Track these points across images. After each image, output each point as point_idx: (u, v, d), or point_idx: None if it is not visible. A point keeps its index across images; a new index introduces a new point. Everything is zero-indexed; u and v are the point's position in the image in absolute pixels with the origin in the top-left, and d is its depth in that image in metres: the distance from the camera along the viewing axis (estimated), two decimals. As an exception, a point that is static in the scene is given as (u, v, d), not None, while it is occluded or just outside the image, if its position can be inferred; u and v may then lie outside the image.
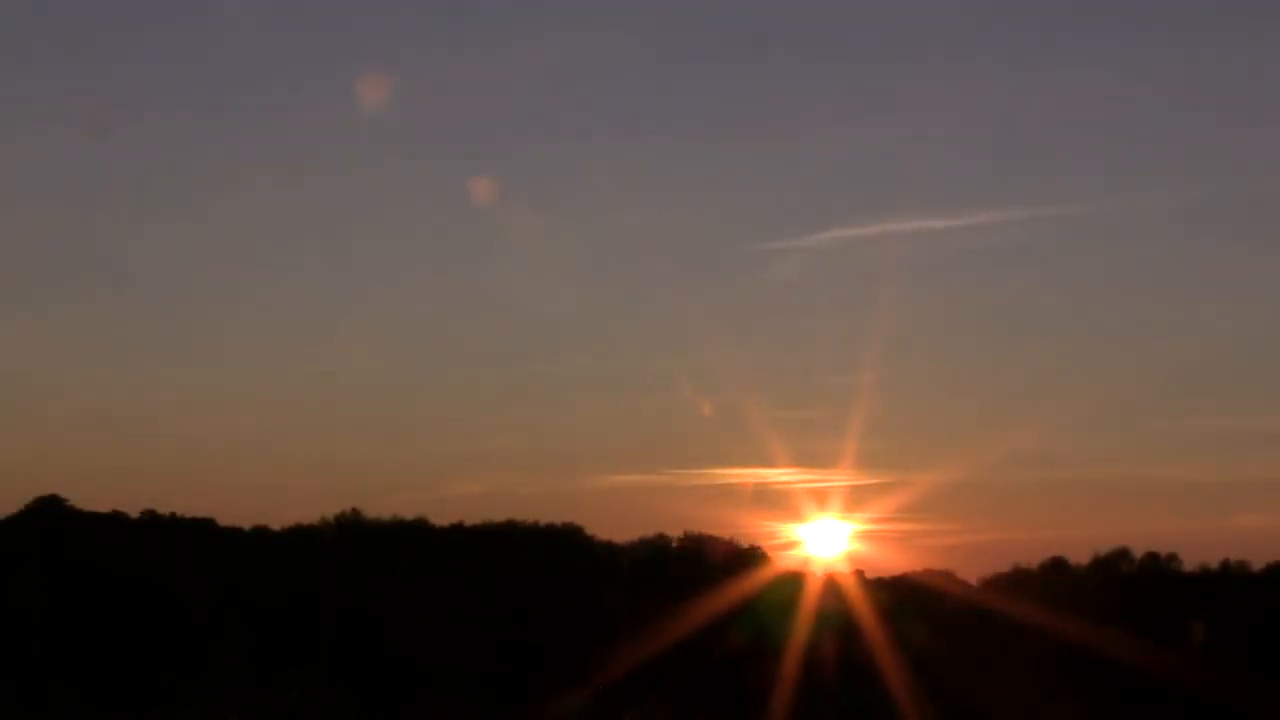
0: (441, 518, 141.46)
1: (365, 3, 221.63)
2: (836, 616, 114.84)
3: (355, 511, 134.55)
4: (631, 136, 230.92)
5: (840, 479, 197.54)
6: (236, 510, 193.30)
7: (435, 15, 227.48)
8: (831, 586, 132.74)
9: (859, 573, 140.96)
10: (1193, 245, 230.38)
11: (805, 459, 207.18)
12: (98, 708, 70.17)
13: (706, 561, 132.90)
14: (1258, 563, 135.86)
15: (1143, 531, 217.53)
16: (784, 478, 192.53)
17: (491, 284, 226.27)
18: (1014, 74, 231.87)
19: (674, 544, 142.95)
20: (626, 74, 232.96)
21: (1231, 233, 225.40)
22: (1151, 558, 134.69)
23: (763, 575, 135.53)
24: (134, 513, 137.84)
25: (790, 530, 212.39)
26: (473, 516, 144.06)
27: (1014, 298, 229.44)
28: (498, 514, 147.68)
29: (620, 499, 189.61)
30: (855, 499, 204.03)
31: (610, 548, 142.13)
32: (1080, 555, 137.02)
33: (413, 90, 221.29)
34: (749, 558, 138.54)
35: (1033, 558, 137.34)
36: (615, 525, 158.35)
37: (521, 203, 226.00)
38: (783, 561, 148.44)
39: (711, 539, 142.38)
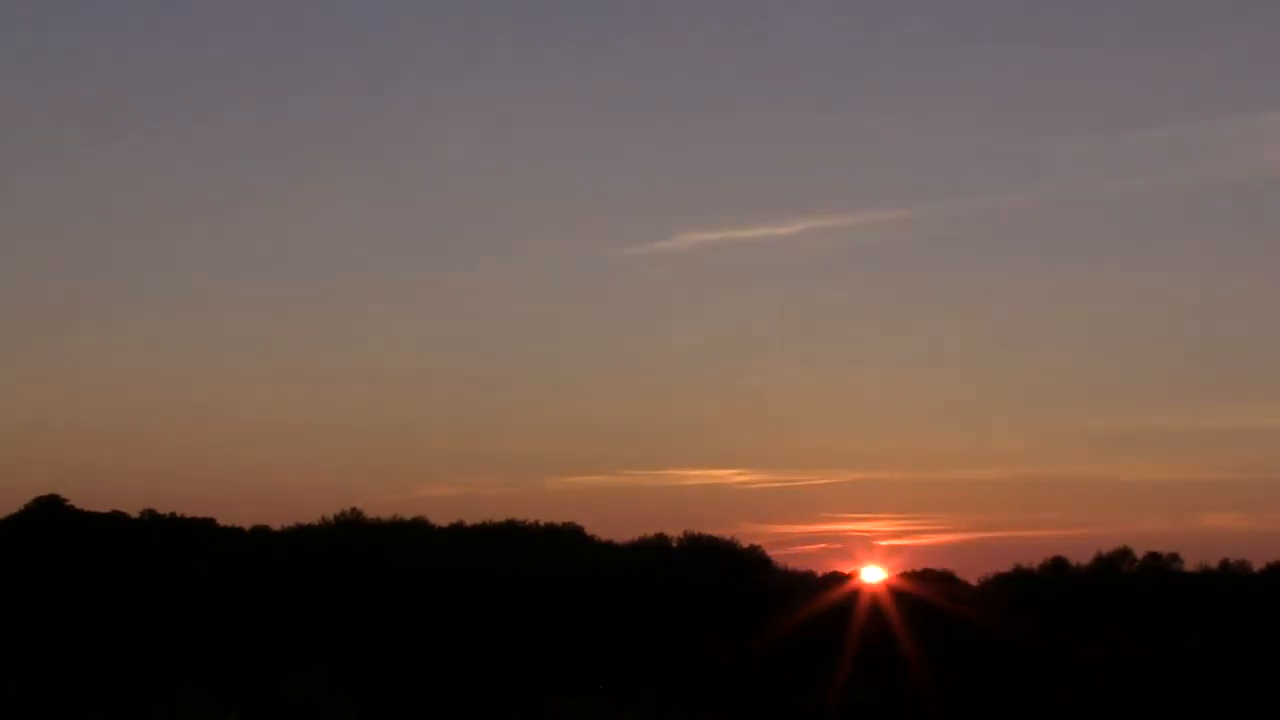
0: (434, 519, 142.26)
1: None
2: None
3: (355, 511, 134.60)
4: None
5: (818, 480, 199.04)
6: (236, 510, 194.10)
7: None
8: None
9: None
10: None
11: (761, 460, 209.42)
12: (98, 706, 70.06)
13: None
14: (1258, 562, 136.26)
15: (1115, 532, 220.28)
16: (743, 479, 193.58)
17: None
18: (863, 87, 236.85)
19: (673, 544, 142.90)
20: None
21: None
22: (1152, 557, 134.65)
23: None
24: (134, 513, 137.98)
25: (777, 532, 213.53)
26: (469, 518, 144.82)
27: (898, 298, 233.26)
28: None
29: (586, 499, 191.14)
30: (840, 500, 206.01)
31: (610, 548, 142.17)
32: (1081, 555, 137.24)
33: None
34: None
35: (1033, 558, 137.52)
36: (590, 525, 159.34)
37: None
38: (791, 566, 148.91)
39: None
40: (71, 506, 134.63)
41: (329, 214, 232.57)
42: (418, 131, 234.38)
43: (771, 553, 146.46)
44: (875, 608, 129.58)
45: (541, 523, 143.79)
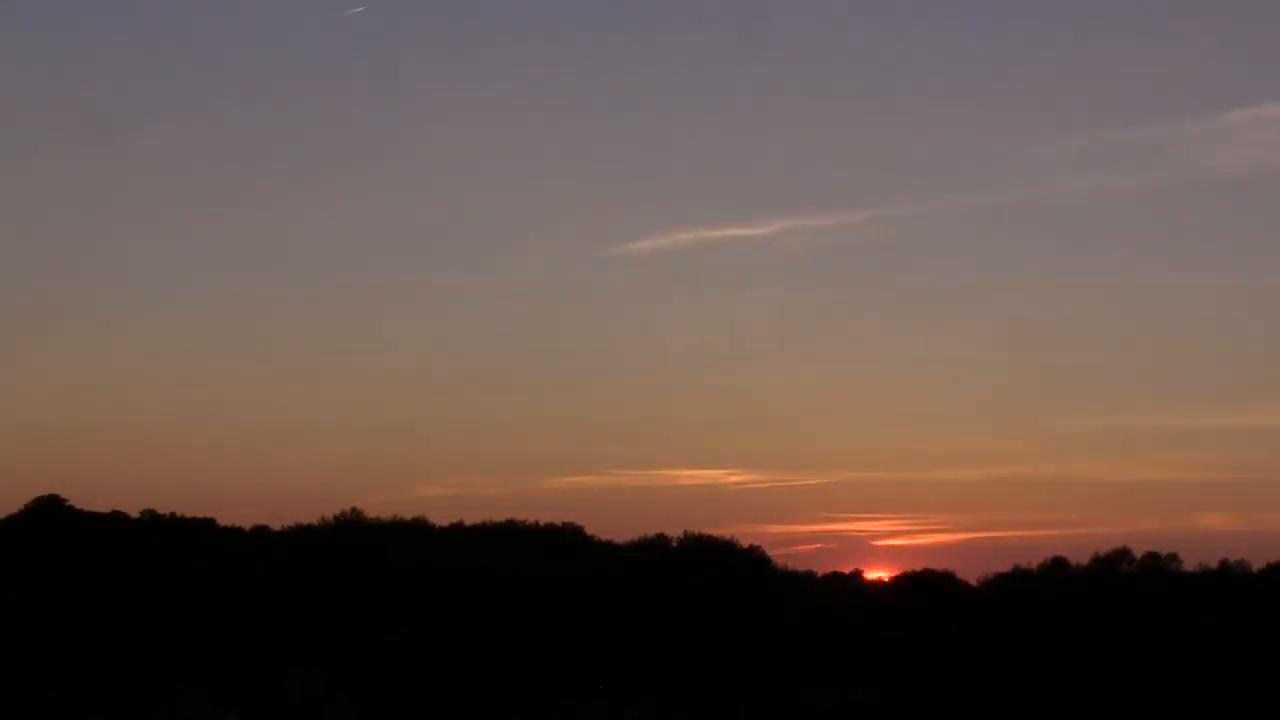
0: (434, 519, 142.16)
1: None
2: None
3: (355, 511, 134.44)
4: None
5: (805, 480, 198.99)
6: (236, 510, 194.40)
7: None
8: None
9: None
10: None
11: (758, 460, 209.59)
12: (98, 706, 70.00)
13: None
14: (1257, 563, 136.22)
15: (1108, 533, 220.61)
16: (738, 479, 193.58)
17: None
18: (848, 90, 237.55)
19: (673, 544, 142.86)
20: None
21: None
22: (1151, 558, 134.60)
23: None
24: (134, 513, 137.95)
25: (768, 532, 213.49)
26: (469, 518, 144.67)
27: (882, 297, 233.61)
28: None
29: (584, 499, 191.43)
30: (829, 499, 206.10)
31: (610, 548, 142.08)
32: (1081, 555, 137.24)
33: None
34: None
35: (1033, 558, 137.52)
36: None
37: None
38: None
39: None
40: (71, 506, 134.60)
41: (329, 214, 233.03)
42: (418, 131, 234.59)
43: (771, 553, 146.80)
44: (875, 607, 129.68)
45: (541, 523, 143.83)
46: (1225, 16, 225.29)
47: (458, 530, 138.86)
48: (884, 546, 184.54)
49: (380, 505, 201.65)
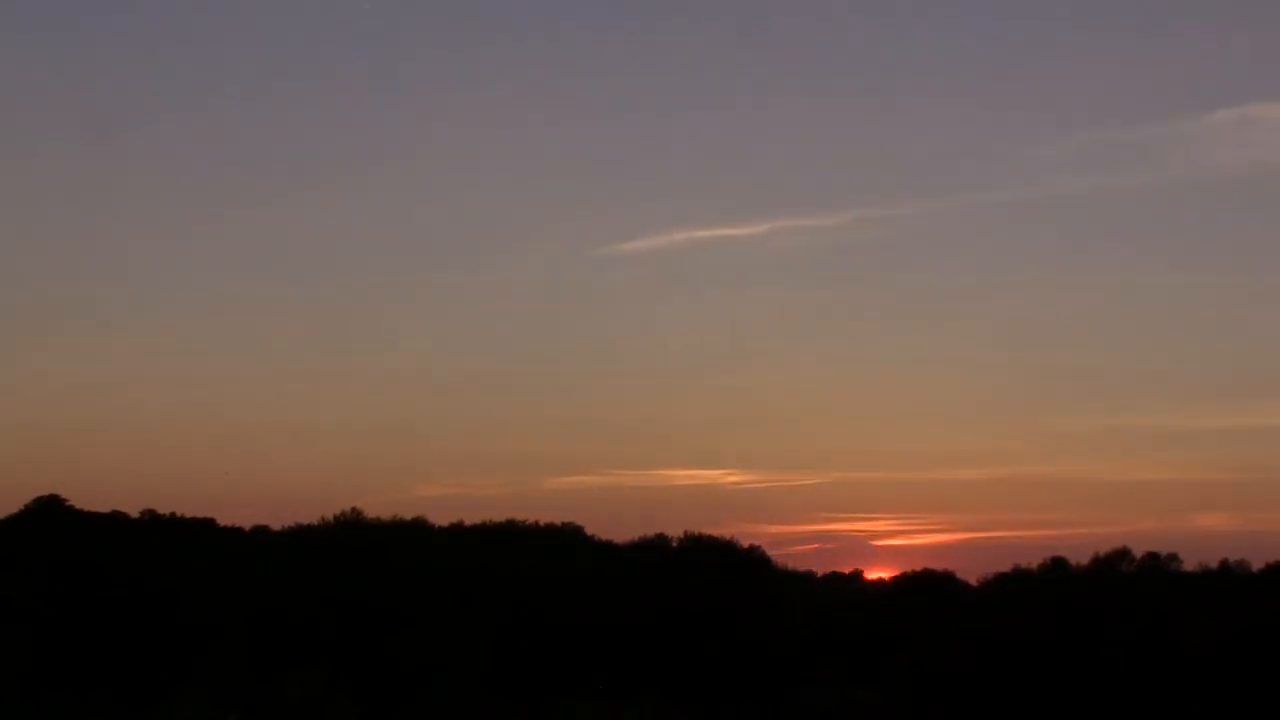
0: (434, 519, 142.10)
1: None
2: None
3: (355, 511, 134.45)
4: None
5: (802, 480, 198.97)
6: (236, 510, 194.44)
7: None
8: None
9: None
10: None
11: (757, 460, 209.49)
12: (98, 706, 69.98)
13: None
14: (1256, 563, 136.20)
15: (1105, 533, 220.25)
16: (735, 479, 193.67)
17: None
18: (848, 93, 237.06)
19: (673, 544, 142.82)
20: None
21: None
22: (1151, 558, 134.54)
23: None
24: (134, 513, 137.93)
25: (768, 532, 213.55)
26: (469, 518, 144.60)
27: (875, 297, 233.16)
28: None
29: (583, 499, 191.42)
30: (824, 499, 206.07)
31: (610, 548, 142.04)
32: (1081, 555, 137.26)
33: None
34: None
35: (1033, 558, 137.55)
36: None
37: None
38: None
39: None
40: (71, 506, 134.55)
41: (329, 214, 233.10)
42: (418, 131, 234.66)
43: (770, 553, 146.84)
44: (875, 607, 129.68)
45: (541, 523, 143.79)
46: (1224, 16, 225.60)
47: (458, 530, 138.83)
48: (883, 546, 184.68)
49: (380, 505, 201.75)
